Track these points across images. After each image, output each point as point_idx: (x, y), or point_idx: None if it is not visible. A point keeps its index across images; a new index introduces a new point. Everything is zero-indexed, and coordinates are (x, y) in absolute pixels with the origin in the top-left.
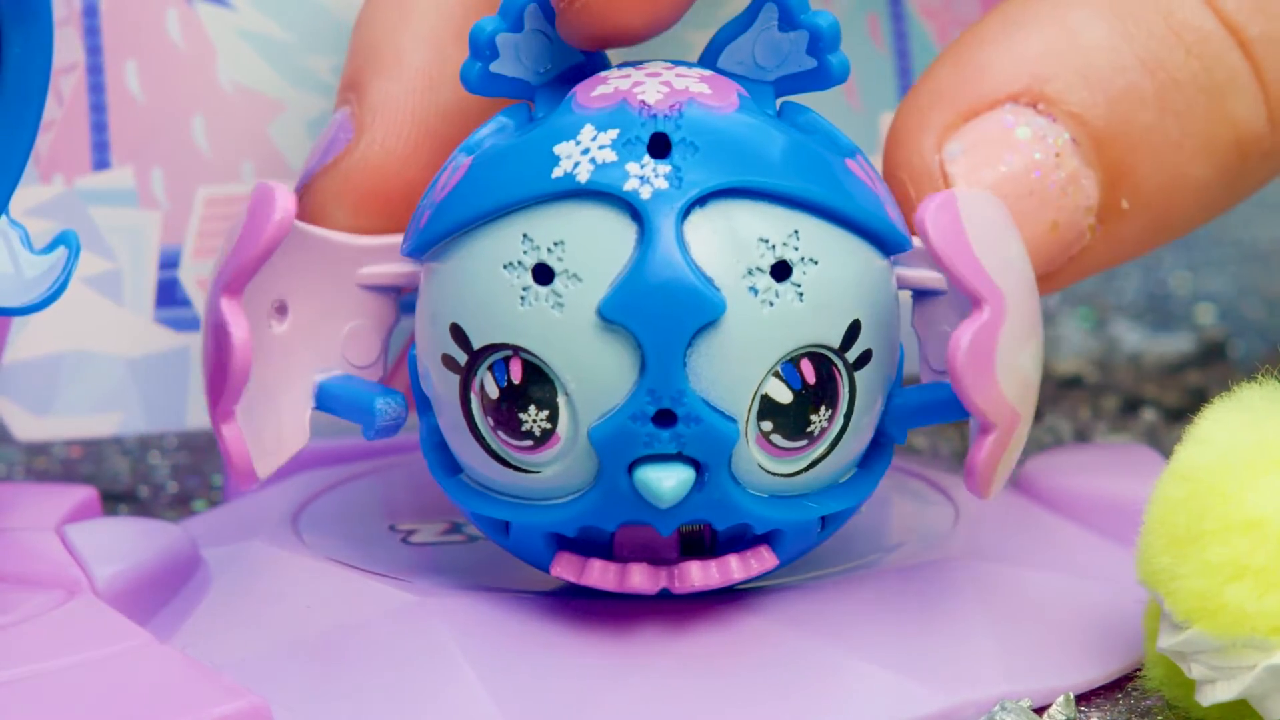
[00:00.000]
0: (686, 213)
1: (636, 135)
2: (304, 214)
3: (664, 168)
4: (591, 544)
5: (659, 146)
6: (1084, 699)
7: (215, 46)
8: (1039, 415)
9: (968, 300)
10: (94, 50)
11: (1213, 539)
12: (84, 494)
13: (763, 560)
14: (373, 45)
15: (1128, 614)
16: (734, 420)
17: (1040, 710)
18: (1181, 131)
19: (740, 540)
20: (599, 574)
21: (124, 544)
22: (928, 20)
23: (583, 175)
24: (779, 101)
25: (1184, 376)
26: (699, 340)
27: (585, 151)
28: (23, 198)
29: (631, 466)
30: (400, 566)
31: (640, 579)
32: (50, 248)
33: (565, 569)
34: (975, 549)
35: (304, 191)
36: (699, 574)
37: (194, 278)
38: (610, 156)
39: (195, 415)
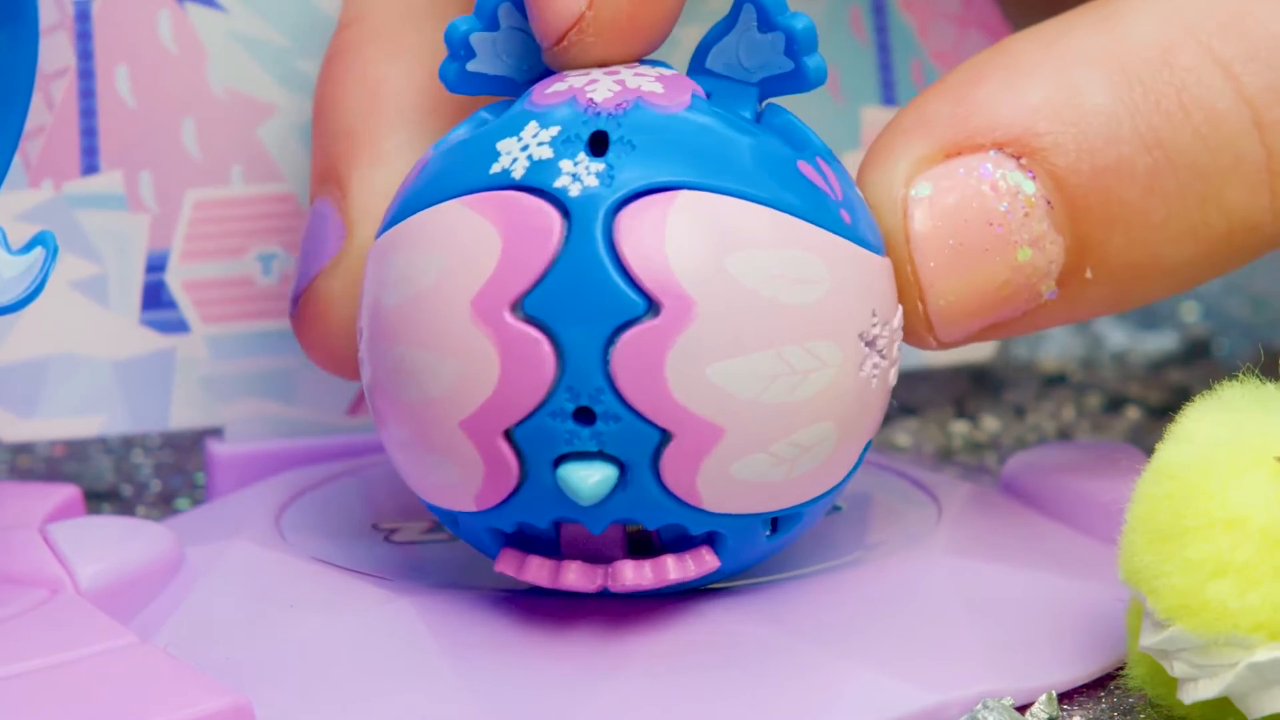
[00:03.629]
0: (616, 211)
1: (576, 133)
2: (311, 313)
3: (597, 165)
4: (539, 541)
5: (597, 144)
6: (1066, 697)
7: (206, 49)
8: (1021, 413)
9: None
10: (85, 55)
11: (1194, 536)
12: (67, 492)
13: (702, 562)
14: (345, 132)
15: (1110, 612)
16: (654, 419)
17: (1022, 709)
18: (1167, 214)
19: (684, 542)
20: (535, 570)
21: (107, 543)
22: (909, 14)
23: (518, 171)
24: (763, 103)
25: (1168, 375)
26: (621, 339)
27: (525, 148)
28: (12, 203)
29: (556, 465)
30: (382, 565)
31: (576, 577)
32: (28, 248)
33: (507, 564)
34: (958, 547)
35: (308, 292)
36: (632, 573)
37: (180, 281)
38: (546, 153)
39: (179, 416)
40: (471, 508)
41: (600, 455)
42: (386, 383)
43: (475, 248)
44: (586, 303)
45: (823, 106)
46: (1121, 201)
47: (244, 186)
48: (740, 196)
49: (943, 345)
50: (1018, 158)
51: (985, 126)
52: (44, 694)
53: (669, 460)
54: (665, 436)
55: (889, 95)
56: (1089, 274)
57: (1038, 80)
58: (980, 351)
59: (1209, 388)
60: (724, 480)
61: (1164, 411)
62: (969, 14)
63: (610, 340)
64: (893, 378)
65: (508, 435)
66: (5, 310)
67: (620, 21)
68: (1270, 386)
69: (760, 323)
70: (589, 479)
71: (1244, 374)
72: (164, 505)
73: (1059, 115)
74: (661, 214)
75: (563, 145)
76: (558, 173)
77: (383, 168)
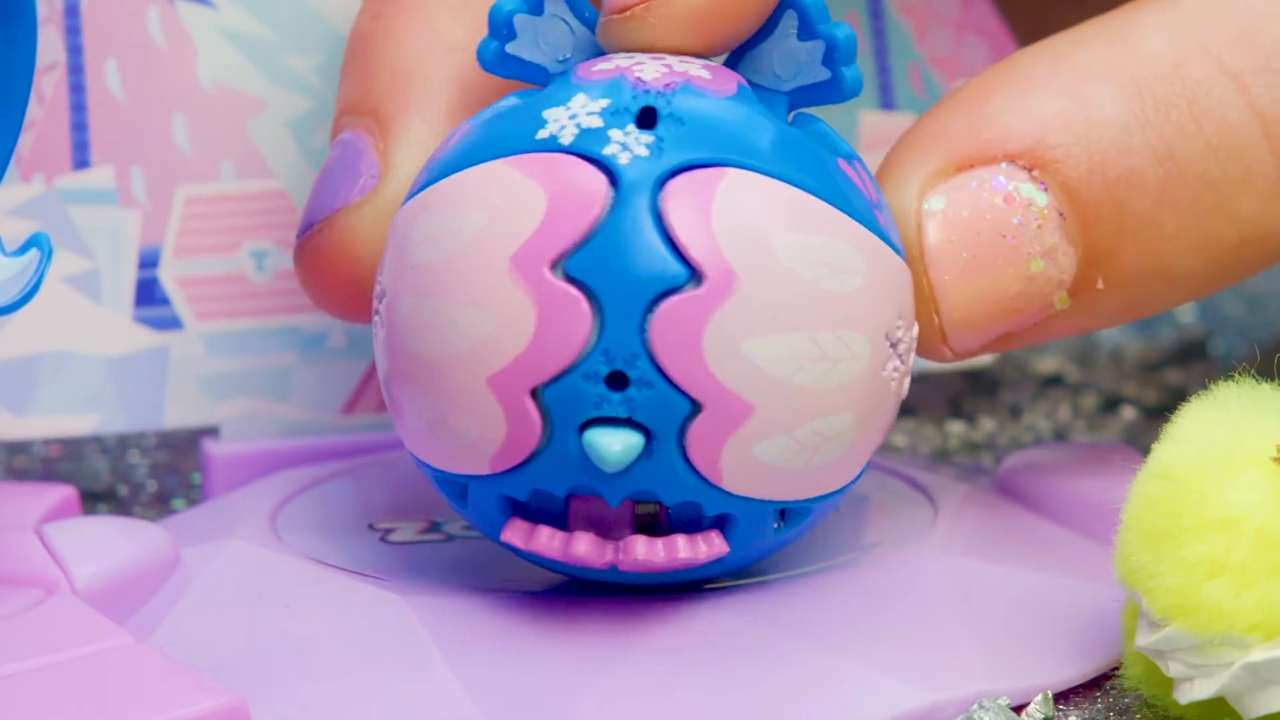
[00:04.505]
0: (663, 183)
1: (626, 106)
2: (325, 246)
3: (646, 137)
4: (547, 516)
5: (646, 119)
6: (1062, 697)
7: (196, 45)
8: (1017, 413)
9: None
10: (74, 49)
11: (1190, 537)
12: (63, 493)
13: (712, 545)
14: (397, 72)
15: (1106, 612)
16: (686, 392)
17: (1018, 709)
18: (1178, 225)
19: (694, 525)
20: (545, 541)
21: (103, 543)
22: (906, 17)
23: (566, 138)
24: (791, 114)
25: (1163, 375)
26: (661, 306)
27: (573, 117)
28: (3, 197)
29: (582, 430)
30: (379, 565)
31: (586, 549)
32: (23, 250)
33: (514, 535)
34: (954, 547)
35: (326, 225)
36: (644, 549)
37: (173, 277)
38: (596, 123)
39: (174, 414)
40: (486, 470)
41: (628, 422)
42: (408, 339)
43: (519, 205)
44: (629, 268)
45: (821, 110)
46: (1133, 213)
47: (235, 183)
48: (785, 180)
49: (956, 356)
50: (1029, 170)
51: (996, 139)
52: (40, 694)
53: (695, 433)
54: (695, 408)
55: (887, 99)
56: (1100, 284)
57: (1048, 93)
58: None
59: (1205, 388)
60: (746, 460)
61: (1160, 412)
62: (967, 18)
63: (650, 307)
64: (905, 387)
65: (535, 395)
66: (1, 313)
67: (690, 14)
68: (1266, 386)
69: (799, 304)
70: (615, 444)
71: (1240, 374)
72: (160, 505)
73: (1070, 127)
74: (709, 188)
75: (612, 116)
76: (607, 141)
77: (432, 123)
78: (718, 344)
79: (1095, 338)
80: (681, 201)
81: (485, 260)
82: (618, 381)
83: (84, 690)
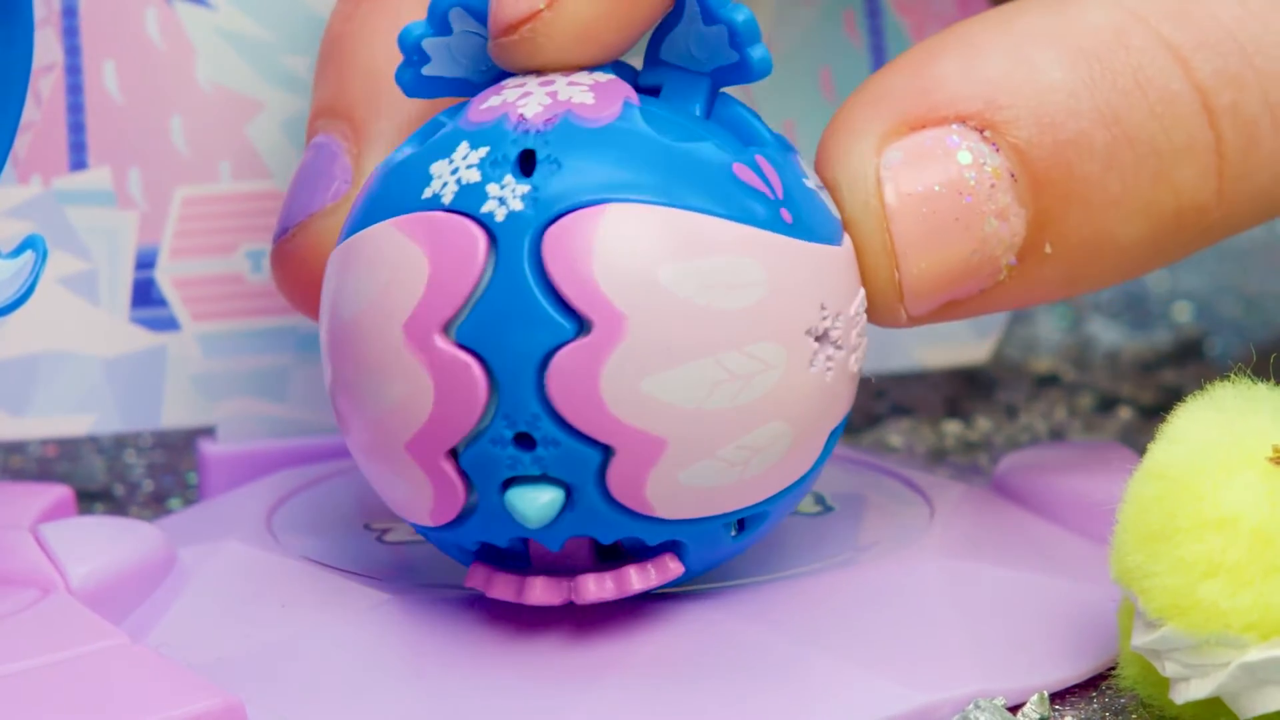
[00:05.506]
0: (542, 233)
1: (505, 153)
2: (300, 250)
3: (523, 188)
4: (508, 552)
5: (525, 164)
6: (1058, 697)
7: (194, 46)
8: (1013, 413)
9: None
10: (72, 50)
11: (1186, 536)
12: (59, 493)
13: (665, 569)
14: (370, 74)
15: (1102, 612)
16: (595, 440)
17: (1014, 709)
18: (1122, 190)
19: (648, 549)
20: (502, 587)
21: (99, 543)
22: (904, 16)
23: (447, 197)
24: (717, 93)
25: (1160, 374)
26: (553, 362)
27: (454, 171)
28: (1, 198)
29: (504, 488)
30: (375, 565)
31: (541, 592)
32: (17, 251)
33: (475, 580)
34: (950, 547)
35: (300, 230)
36: (594, 586)
37: (170, 278)
38: (474, 177)
39: (170, 414)
40: (429, 523)
41: (545, 478)
42: (338, 398)
43: (406, 270)
44: (517, 329)
45: (817, 107)
46: (1082, 176)
47: (232, 183)
48: (670, 204)
49: (911, 320)
50: (981, 130)
51: (946, 100)
52: (36, 694)
53: (615, 476)
54: (608, 453)
55: None
56: (1048, 249)
57: (995, 57)
58: (975, 352)
59: (1201, 388)
60: (674, 489)
61: (1156, 411)
62: (963, 17)
63: (543, 365)
64: (854, 364)
65: (453, 455)
66: None
67: (575, 29)
68: (1262, 387)
69: (694, 332)
70: (535, 502)
71: (1236, 374)
72: (156, 505)
73: (1019, 90)
74: (589, 231)
75: (490, 167)
76: (485, 197)
77: (405, 128)
78: (616, 388)
79: (1091, 338)
80: (561, 250)
81: (382, 328)
82: (525, 442)
83: (80, 690)
